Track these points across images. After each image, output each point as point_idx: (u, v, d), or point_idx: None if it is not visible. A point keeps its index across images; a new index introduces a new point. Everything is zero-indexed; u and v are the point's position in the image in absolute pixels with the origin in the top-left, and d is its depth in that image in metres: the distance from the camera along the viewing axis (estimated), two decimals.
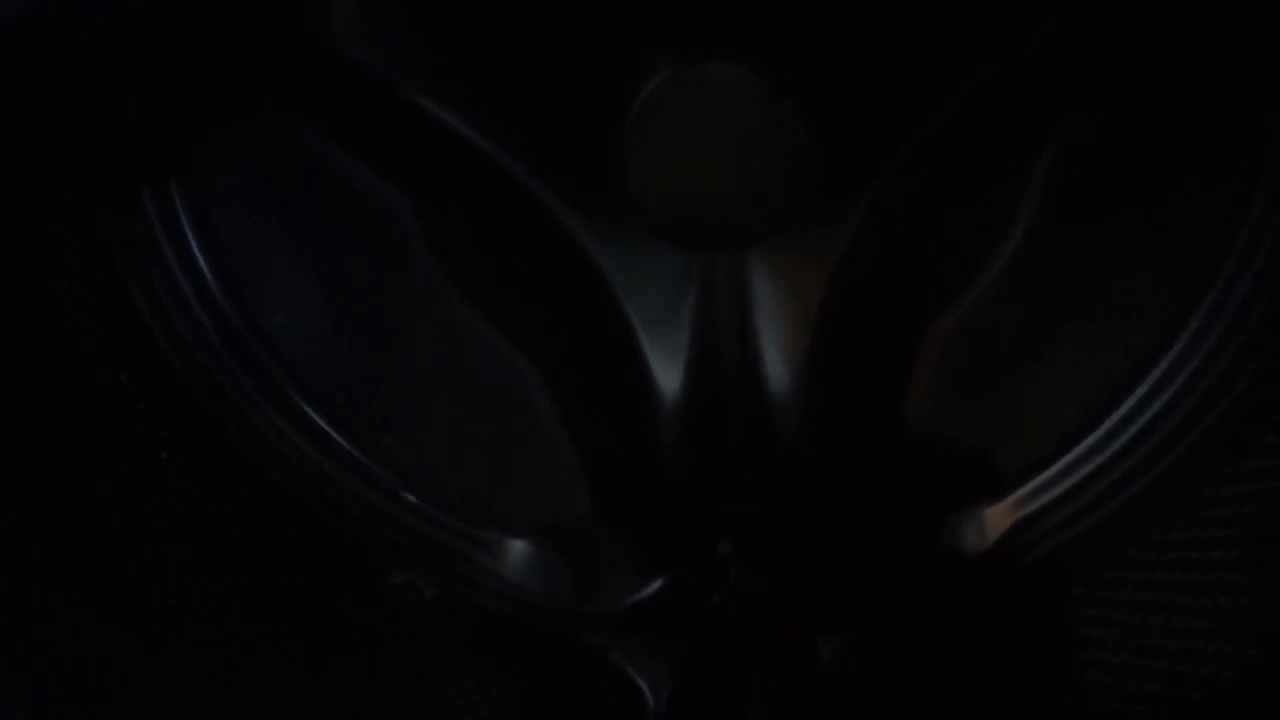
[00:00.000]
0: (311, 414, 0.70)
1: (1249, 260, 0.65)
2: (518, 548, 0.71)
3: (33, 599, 0.58)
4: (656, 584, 0.70)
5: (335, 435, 0.71)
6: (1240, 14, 0.62)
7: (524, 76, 0.63)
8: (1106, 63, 0.64)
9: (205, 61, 0.63)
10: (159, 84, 0.63)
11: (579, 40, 0.62)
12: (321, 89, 0.65)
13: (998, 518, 0.69)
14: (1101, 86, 0.65)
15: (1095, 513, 0.68)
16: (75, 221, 0.63)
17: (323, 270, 0.70)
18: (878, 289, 0.67)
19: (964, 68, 0.62)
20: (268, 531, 0.69)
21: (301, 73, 0.64)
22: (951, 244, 0.68)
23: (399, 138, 0.65)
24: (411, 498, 0.71)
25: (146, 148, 0.65)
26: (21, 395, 0.60)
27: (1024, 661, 0.67)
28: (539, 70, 0.63)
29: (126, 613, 0.61)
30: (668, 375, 0.67)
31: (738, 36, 0.62)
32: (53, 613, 0.58)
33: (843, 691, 0.69)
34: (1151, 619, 0.63)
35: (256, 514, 0.69)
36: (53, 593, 0.59)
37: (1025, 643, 0.68)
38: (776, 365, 0.66)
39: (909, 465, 0.70)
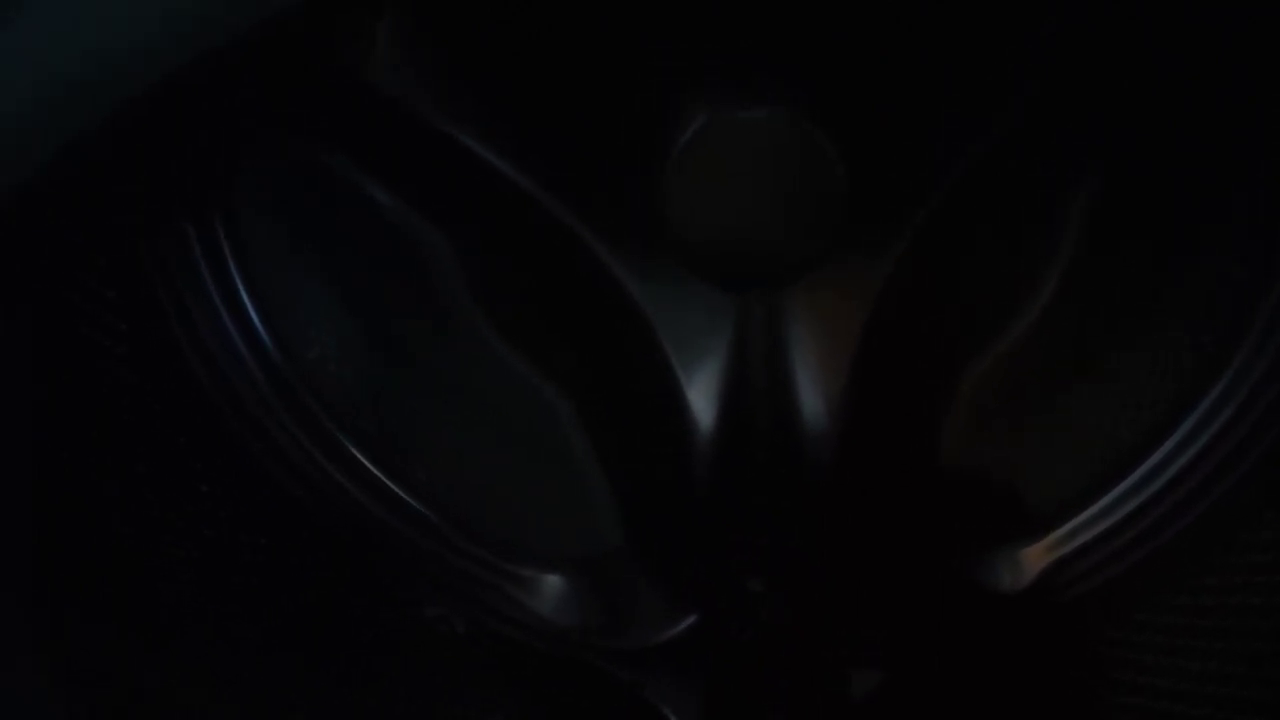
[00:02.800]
0: (345, 443, 0.70)
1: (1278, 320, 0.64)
2: (549, 581, 0.71)
3: (59, 613, 0.58)
4: (689, 620, 0.69)
5: (368, 465, 0.71)
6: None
7: (564, 116, 0.63)
8: (1145, 92, 0.64)
9: (245, 96, 0.64)
10: (200, 120, 0.63)
11: (620, 80, 0.62)
12: (361, 125, 0.65)
13: (1034, 558, 0.69)
14: (1140, 117, 0.65)
15: (1132, 555, 0.67)
16: (117, 254, 0.64)
17: (358, 301, 0.70)
18: (914, 328, 0.67)
19: (1002, 104, 0.62)
20: (300, 561, 0.70)
21: (341, 108, 0.64)
22: (989, 283, 0.68)
23: (437, 173, 0.65)
24: (443, 530, 0.71)
25: (189, 182, 0.66)
26: (58, 419, 0.60)
27: (1058, 703, 0.67)
28: (579, 110, 0.63)
29: (152, 631, 0.61)
30: (703, 411, 0.66)
31: (776, 80, 0.62)
32: (81, 626, 0.58)
33: None
34: (1188, 664, 0.62)
35: (288, 543, 0.69)
36: (79, 608, 0.58)
37: (1059, 684, 0.67)
38: (812, 402, 0.66)
39: (944, 503, 0.70)
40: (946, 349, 0.68)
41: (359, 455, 0.70)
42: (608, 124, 0.63)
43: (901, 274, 0.64)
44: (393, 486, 0.70)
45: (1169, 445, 0.67)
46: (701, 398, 0.66)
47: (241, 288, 0.67)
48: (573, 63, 0.62)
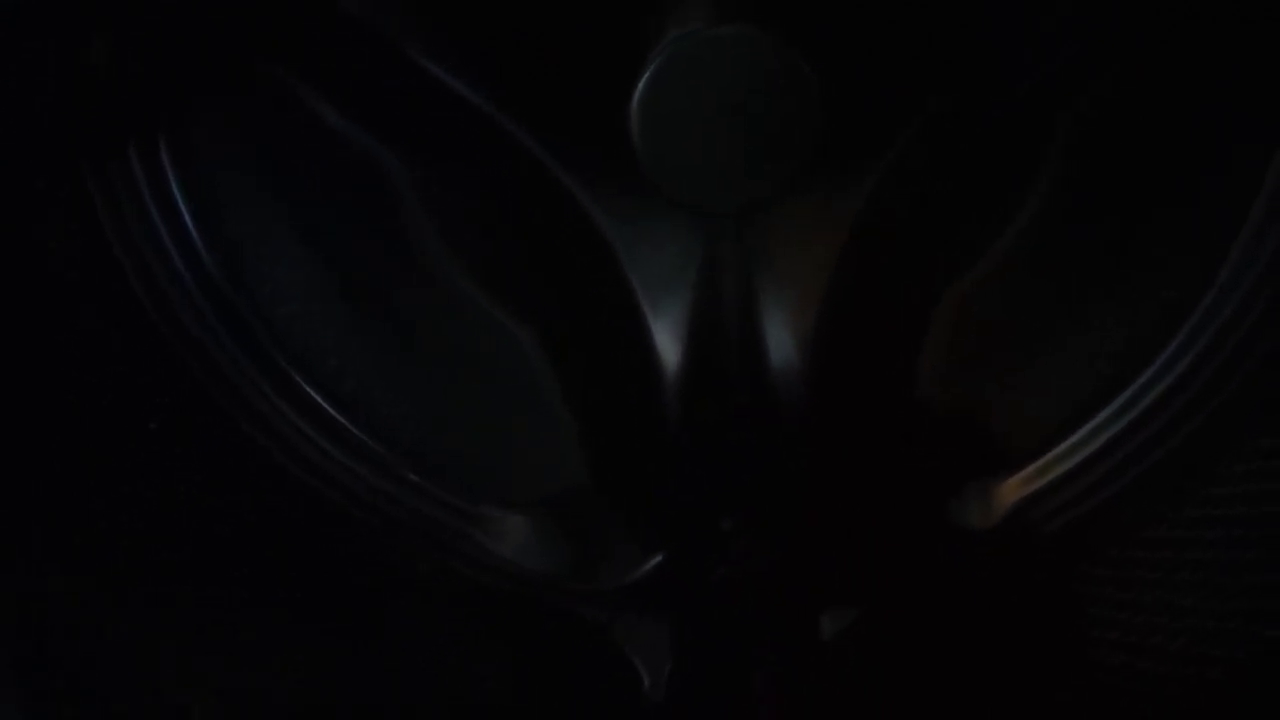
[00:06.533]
0: (300, 381, 0.69)
1: (1253, 257, 0.64)
2: (515, 522, 0.70)
3: (33, 581, 0.57)
4: (657, 559, 0.68)
5: (324, 404, 0.69)
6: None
7: (528, 36, 0.61)
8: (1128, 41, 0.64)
9: (196, 14, 0.61)
10: (148, 37, 0.61)
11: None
12: (318, 46, 0.63)
13: (1006, 493, 0.68)
14: (1123, 58, 0.64)
15: (1105, 489, 0.67)
16: (60, 178, 0.62)
17: (315, 235, 0.68)
18: (887, 259, 0.66)
19: (986, 27, 0.61)
20: (256, 504, 0.68)
21: (297, 28, 0.63)
22: (964, 213, 0.67)
23: (396, 98, 0.64)
24: (405, 470, 0.70)
25: (134, 103, 0.63)
26: (9, 366, 0.58)
27: (1033, 639, 0.67)
28: (544, 30, 0.61)
29: (118, 588, 0.61)
30: (671, 346, 0.65)
31: None
32: (53, 594, 0.58)
33: (846, 668, 0.68)
34: (1165, 597, 0.62)
35: (244, 485, 0.68)
36: (51, 572, 0.58)
37: (1034, 620, 0.67)
38: (781, 336, 0.65)
39: (916, 439, 0.69)
40: (920, 282, 0.67)
41: (312, 393, 0.69)
42: (573, 41, 0.61)
43: (875, 203, 0.63)
44: (346, 423, 0.69)
45: (1143, 379, 0.67)
46: (669, 332, 0.65)
47: (185, 213, 0.66)
48: None
